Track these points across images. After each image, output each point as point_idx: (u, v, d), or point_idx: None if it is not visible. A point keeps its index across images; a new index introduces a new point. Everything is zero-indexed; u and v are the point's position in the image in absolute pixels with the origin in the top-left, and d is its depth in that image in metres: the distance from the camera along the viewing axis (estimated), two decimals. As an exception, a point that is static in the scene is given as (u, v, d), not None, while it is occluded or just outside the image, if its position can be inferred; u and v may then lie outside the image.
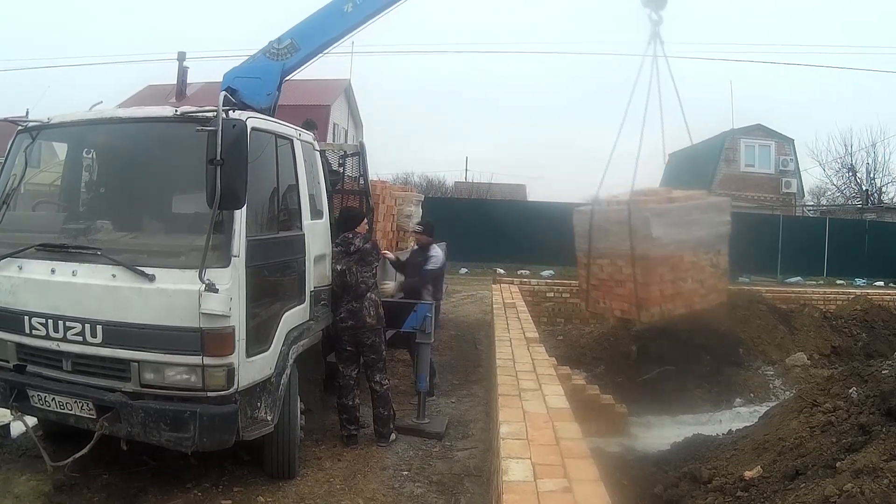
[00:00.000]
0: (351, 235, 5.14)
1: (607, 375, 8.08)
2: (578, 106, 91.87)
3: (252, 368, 3.85)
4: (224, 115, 3.60)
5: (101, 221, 4.17)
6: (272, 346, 4.10)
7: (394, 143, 58.07)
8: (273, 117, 4.94)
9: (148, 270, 3.62)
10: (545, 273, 18.19)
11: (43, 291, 3.83)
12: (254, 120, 4.08)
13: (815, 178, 34.03)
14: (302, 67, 6.21)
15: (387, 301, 5.64)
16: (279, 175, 4.39)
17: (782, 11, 70.83)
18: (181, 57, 20.30)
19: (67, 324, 3.73)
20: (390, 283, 6.48)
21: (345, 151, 6.70)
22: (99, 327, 3.68)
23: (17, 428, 4.76)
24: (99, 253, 3.73)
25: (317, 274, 4.86)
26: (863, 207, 28.36)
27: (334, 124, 28.33)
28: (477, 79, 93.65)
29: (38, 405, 3.88)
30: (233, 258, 3.67)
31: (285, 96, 6.20)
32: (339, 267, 5.07)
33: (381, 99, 73.19)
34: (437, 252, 6.71)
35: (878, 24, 54.03)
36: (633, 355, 8.08)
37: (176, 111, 4.07)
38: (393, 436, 5.23)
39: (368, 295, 5.08)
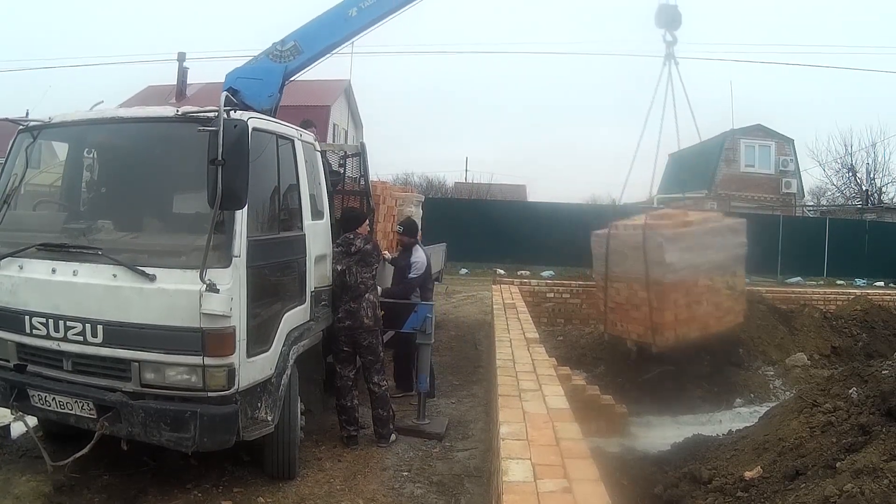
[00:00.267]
0: (352, 236, 5.14)
1: (607, 376, 8.08)
2: (579, 106, 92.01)
3: (252, 369, 3.85)
4: (225, 116, 3.60)
5: (101, 221, 4.17)
6: (273, 346, 4.10)
7: (394, 143, 58.23)
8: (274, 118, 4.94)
9: (149, 270, 3.62)
10: (545, 273, 18.22)
11: (44, 291, 3.83)
12: (255, 120, 4.08)
13: (815, 178, 34.09)
14: (304, 70, 6.22)
15: (387, 302, 5.64)
16: (280, 175, 4.40)
17: (783, 11, 70.93)
18: (181, 57, 20.30)
19: (68, 323, 3.73)
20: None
21: (345, 152, 6.71)
22: (99, 327, 3.68)
23: (17, 429, 4.76)
24: (100, 253, 3.74)
25: (317, 274, 4.86)
26: (863, 207, 28.37)
27: (334, 125, 28.33)
28: (477, 79, 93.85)
29: (39, 405, 3.88)
30: (234, 258, 3.67)
31: (285, 96, 6.20)
32: (339, 267, 5.08)
33: (381, 99, 73.32)
34: (420, 256, 6.39)
35: (879, 23, 54.07)
36: (632, 355, 8.08)
37: (177, 111, 4.07)
38: (393, 436, 5.24)
39: (367, 296, 5.08)
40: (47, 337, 3.81)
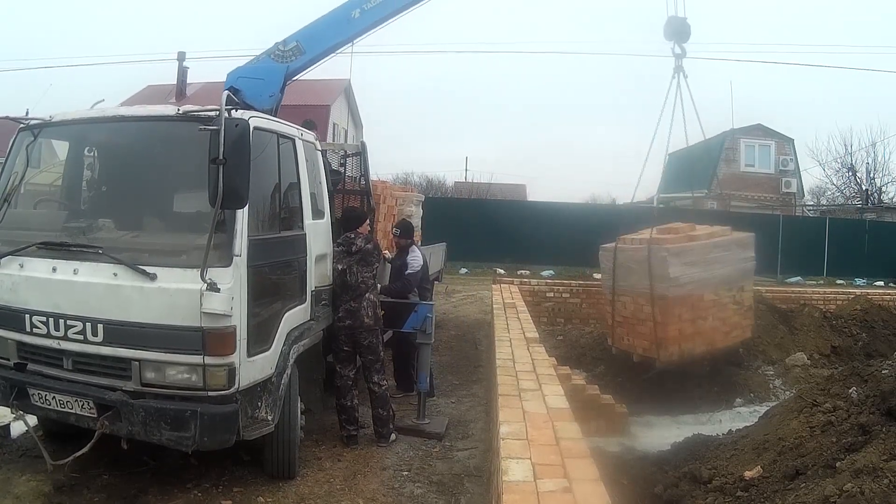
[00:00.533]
0: (353, 235, 5.15)
1: (607, 375, 8.08)
2: (578, 105, 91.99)
3: (253, 368, 3.85)
4: (227, 115, 3.60)
5: (102, 220, 4.16)
6: (273, 345, 4.10)
7: (394, 142, 58.23)
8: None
9: (149, 269, 3.62)
10: (545, 273, 18.23)
11: (44, 290, 3.83)
12: (256, 119, 4.08)
13: (815, 177, 34.11)
14: (306, 70, 6.22)
15: (388, 301, 5.64)
16: (281, 174, 4.40)
17: (784, 11, 70.89)
18: (181, 57, 20.35)
19: (68, 322, 3.73)
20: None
21: (346, 151, 6.71)
22: (100, 326, 3.68)
23: (17, 428, 4.76)
24: (100, 251, 3.73)
25: (318, 274, 4.86)
26: (863, 207, 28.38)
27: (334, 124, 28.34)
28: (477, 78, 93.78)
29: (39, 403, 3.88)
30: (234, 257, 3.67)
31: (285, 96, 6.20)
32: (340, 267, 5.08)
33: (381, 99, 73.31)
34: (416, 255, 6.50)
35: (880, 23, 54.07)
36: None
37: (178, 110, 4.07)
38: (393, 436, 5.24)
39: (367, 295, 5.08)
40: (48, 336, 3.81)
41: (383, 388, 5.21)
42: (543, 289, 11.60)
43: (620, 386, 7.59)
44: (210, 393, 3.64)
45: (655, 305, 7.31)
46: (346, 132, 30.79)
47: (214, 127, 3.54)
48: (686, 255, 7.33)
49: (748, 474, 3.97)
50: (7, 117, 4.39)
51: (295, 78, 6.23)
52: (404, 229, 6.64)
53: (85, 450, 3.72)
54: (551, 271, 18.70)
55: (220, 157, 3.48)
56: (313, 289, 4.76)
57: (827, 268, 21.20)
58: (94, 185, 4.66)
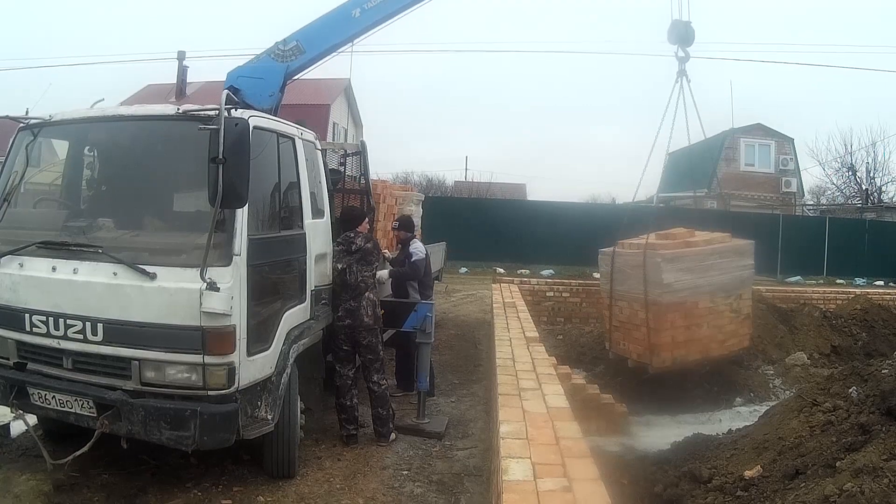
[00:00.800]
0: (352, 234, 5.15)
1: (607, 374, 8.09)
2: (577, 106, 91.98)
3: (253, 367, 3.85)
4: (227, 114, 3.60)
5: (102, 219, 4.17)
6: (273, 345, 4.10)
7: (394, 142, 58.23)
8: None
9: (149, 268, 3.62)
10: (545, 272, 18.22)
11: (44, 289, 3.83)
12: (256, 118, 4.08)
13: (815, 177, 34.14)
14: (306, 70, 6.22)
15: (387, 301, 5.64)
16: (281, 174, 4.40)
17: (784, 11, 70.88)
18: (181, 56, 20.32)
19: (68, 321, 3.73)
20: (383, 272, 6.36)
21: (346, 150, 6.71)
22: (100, 325, 3.68)
23: (17, 427, 4.76)
24: (100, 251, 3.73)
25: (318, 273, 4.86)
26: (863, 207, 28.38)
27: (334, 124, 28.34)
28: (477, 78, 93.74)
29: (39, 403, 3.88)
30: (234, 257, 3.67)
31: (285, 95, 6.20)
32: (339, 266, 5.08)
33: (381, 98, 73.30)
34: (419, 246, 6.61)
35: (880, 23, 54.06)
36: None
37: (178, 109, 4.07)
38: (393, 435, 5.24)
39: (367, 294, 5.08)
40: (47, 335, 3.81)
41: (383, 387, 5.21)
42: (543, 288, 11.61)
43: (620, 385, 7.58)
44: (210, 392, 3.64)
45: (649, 311, 7.30)
46: (345, 131, 30.80)
47: (214, 126, 3.54)
48: (680, 262, 7.31)
49: (748, 474, 3.97)
50: (7, 117, 4.39)
51: (295, 77, 6.22)
52: (404, 223, 6.70)
53: (85, 449, 3.72)
54: (551, 271, 18.69)
55: (220, 156, 3.48)
56: (313, 288, 4.76)
57: (827, 267, 21.20)
58: (94, 185, 4.66)
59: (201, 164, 3.54)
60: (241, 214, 3.72)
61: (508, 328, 5.82)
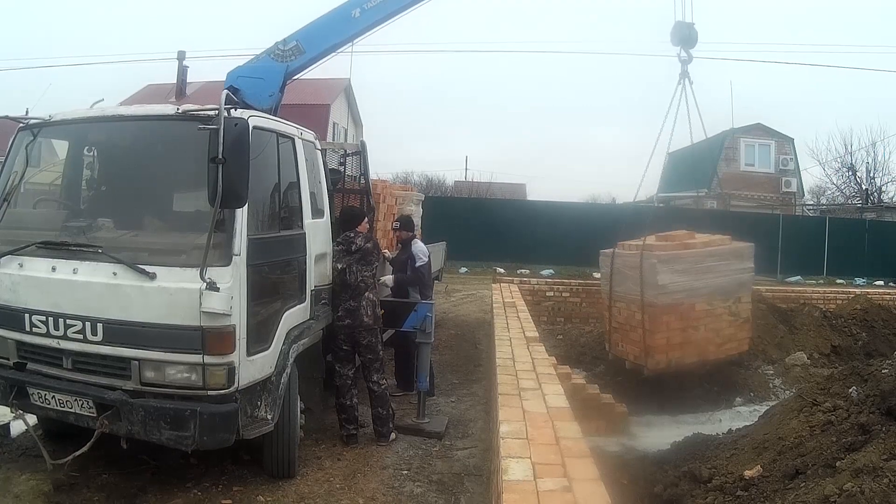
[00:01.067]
0: (352, 234, 5.14)
1: (607, 374, 8.09)
2: (577, 106, 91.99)
3: (252, 367, 3.85)
4: (226, 114, 3.60)
5: (102, 219, 4.17)
6: (272, 345, 4.10)
7: (394, 142, 58.22)
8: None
9: (149, 268, 3.62)
10: (545, 272, 18.22)
11: (44, 289, 3.83)
12: (256, 118, 4.08)
13: (815, 177, 34.13)
14: (306, 70, 6.22)
15: (387, 301, 5.64)
16: (280, 174, 4.40)
17: (784, 10, 70.88)
18: (181, 56, 20.33)
19: (68, 321, 3.73)
20: (388, 277, 6.41)
21: (345, 150, 6.71)
22: (99, 325, 3.68)
23: (17, 427, 4.76)
24: (100, 251, 3.73)
25: (317, 273, 4.86)
26: (863, 207, 28.37)
27: (334, 123, 28.34)
28: (477, 78, 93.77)
29: (38, 403, 3.88)
30: (234, 257, 3.67)
31: (285, 95, 6.20)
32: (339, 266, 5.08)
33: (381, 98, 73.31)
34: (421, 247, 6.59)
35: (880, 23, 54.04)
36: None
37: (178, 109, 4.07)
38: (393, 435, 5.24)
39: (367, 294, 5.08)
40: (47, 335, 3.81)
41: (383, 387, 5.21)
42: (543, 288, 11.61)
43: (620, 385, 7.59)
44: (209, 392, 3.63)
45: (645, 313, 7.30)
46: (345, 131, 30.79)
47: (214, 126, 3.54)
48: (676, 263, 7.29)
49: (748, 473, 3.97)
50: (7, 117, 4.39)
51: (295, 77, 6.23)
52: (404, 223, 6.69)
53: (84, 449, 3.72)
54: (551, 270, 18.69)
55: (220, 156, 3.48)
56: (313, 288, 4.76)
57: (827, 267, 21.19)
58: (94, 185, 4.66)
59: (201, 164, 3.54)
60: (241, 214, 3.72)
61: (508, 328, 5.82)
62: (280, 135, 4.47)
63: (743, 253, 8.00)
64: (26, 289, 3.90)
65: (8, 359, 4.02)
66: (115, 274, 3.68)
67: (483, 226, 19.57)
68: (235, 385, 3.69)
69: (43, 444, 3.98)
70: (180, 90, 20.65)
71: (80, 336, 3.72)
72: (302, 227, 4.62)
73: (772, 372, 8.25)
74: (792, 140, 26.90)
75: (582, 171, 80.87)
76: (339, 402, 5.16)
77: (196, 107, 3.96)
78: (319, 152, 5.33)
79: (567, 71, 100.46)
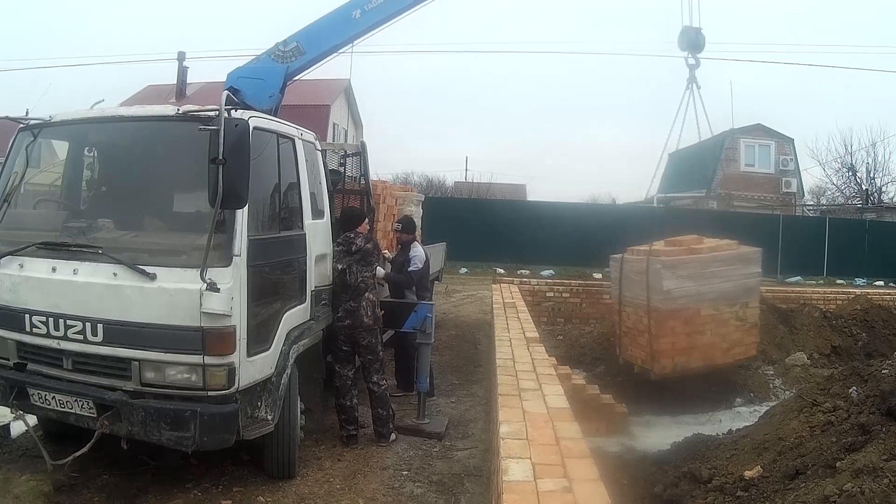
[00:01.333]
0: (352, 235, 5.15)
1: (607, 375, 8.09)
2: (579, 107, 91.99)
3: (253, 368, 3.85)
4: (227, 115, 3.60)
5: (102, 220, 4.16)
6: (273, 345, 4.10)
7: (394, 142, 58.24)
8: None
9: (149, 269, 3.62)
10: (545, 273, 18.22)
11: (44, 290, 3.83)
12: (256, 119, 4.08)
13: (815, 177, 34.13)
14: (306, 71, 6.23)
15: (387, 301, 5.63)
16: (281, 174, 4.39)
17: (784, 10, 70.89)
18: (181, 57, 20.30)
19: (68, 322, 3.73)
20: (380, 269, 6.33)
21: (346, 151, 6.71)
22: (100, 326, 3.68)
23: (17, 428, 4.76)
24: (100, 251, 3.73)
25: (318, 273, 4.86)
26: (863, 207, 28.39)
27: (334, 124, 28.35)
28: (477, 79, 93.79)
29: (39, 403, 3.88)
30: (234, 257, 3.67)
31: (285, 96, 6.20)
32: (339, 266, 5.08)
33: (380, 99, 73.33)
34: (419, 251, 6.54)
35: (880, 23, 54.07)
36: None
37: (178, 110, 4.07)
38: (393, 436, 5.24)
39: (366, 295, 5.08)
40: (47, 335, 3.81)
41: (383, 387, 5.21)
42: (543, 288, 11.61)
43: (620, 386, 7.60)
44: (210, 393, 3.63)
45: (651, 317, 7.31)
46: (345, 132, 30.80)
47: (214, 127, 3.54)
48: (681, 268, 7.28)
49: (748, 474, 3.97)
50: (7, 117, 4.39)
51: (295, 78, 6.24)
52: (406, 224, 6.66)
53: (85, 450, 3.72)
54: (551, 271, 18.69)
55: (220, 157, 3.48)
56: (313, 288, 4.76)
57: (827, 267, 21.21)
58: (94, 185, 4.66)
59: (201, 164, 3.54)
60: (241, 215, 3.72)
61: (508, 328, 5.82)
62: (280, 135, 4.47)
63: (749, 258, 7.93)
64: (26, 289, 3.90)
65: (8, 359, 4.02)
66: (115, 274, 3.68)
67: (483, 226, 19.58)
68: (236, 386, 3.69)
69: (43, 445, 3.98)
70: (180, 91, 20.63)
71: (81, 336, 3.72)
72: (302, 228, 4.62)
73: (772, 372, 8.24)
74: (792, 140, 26.91)
75: (582, 171, 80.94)
76: (339, 402, 5.16)
77: (196, 107, 3.96)
78: (319, 153, 5.33)
79: (567, 71, 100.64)
